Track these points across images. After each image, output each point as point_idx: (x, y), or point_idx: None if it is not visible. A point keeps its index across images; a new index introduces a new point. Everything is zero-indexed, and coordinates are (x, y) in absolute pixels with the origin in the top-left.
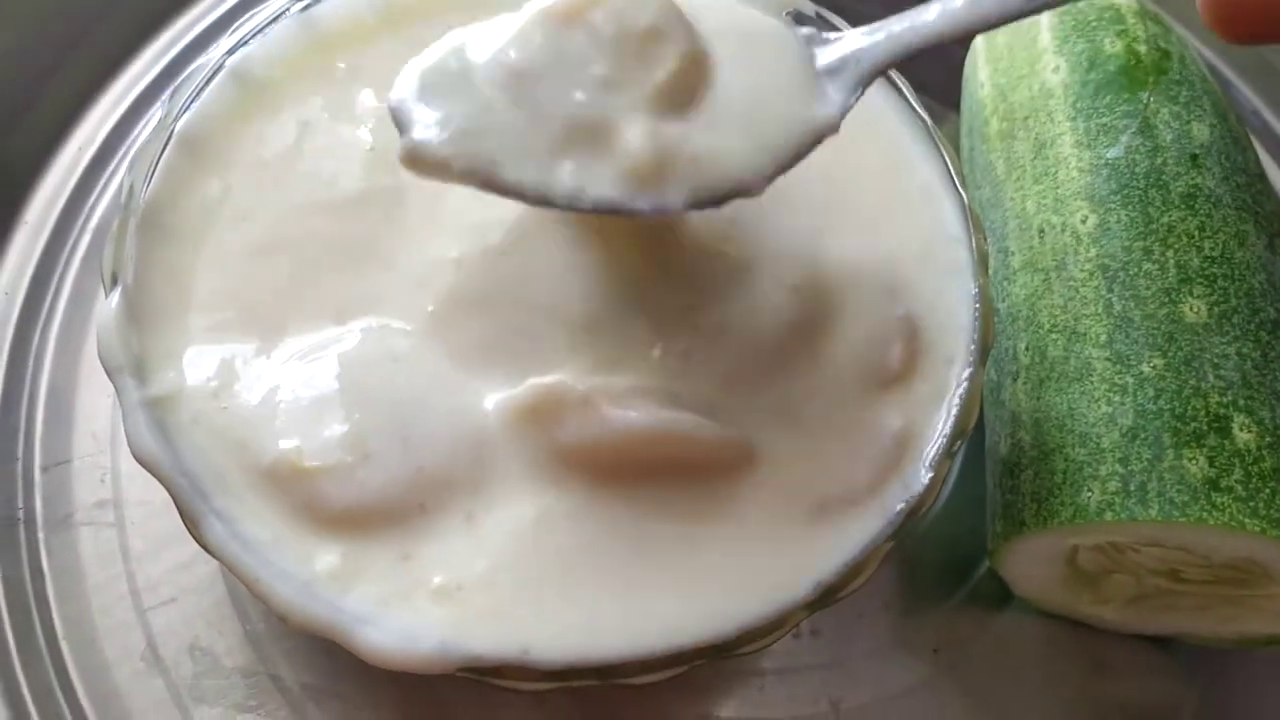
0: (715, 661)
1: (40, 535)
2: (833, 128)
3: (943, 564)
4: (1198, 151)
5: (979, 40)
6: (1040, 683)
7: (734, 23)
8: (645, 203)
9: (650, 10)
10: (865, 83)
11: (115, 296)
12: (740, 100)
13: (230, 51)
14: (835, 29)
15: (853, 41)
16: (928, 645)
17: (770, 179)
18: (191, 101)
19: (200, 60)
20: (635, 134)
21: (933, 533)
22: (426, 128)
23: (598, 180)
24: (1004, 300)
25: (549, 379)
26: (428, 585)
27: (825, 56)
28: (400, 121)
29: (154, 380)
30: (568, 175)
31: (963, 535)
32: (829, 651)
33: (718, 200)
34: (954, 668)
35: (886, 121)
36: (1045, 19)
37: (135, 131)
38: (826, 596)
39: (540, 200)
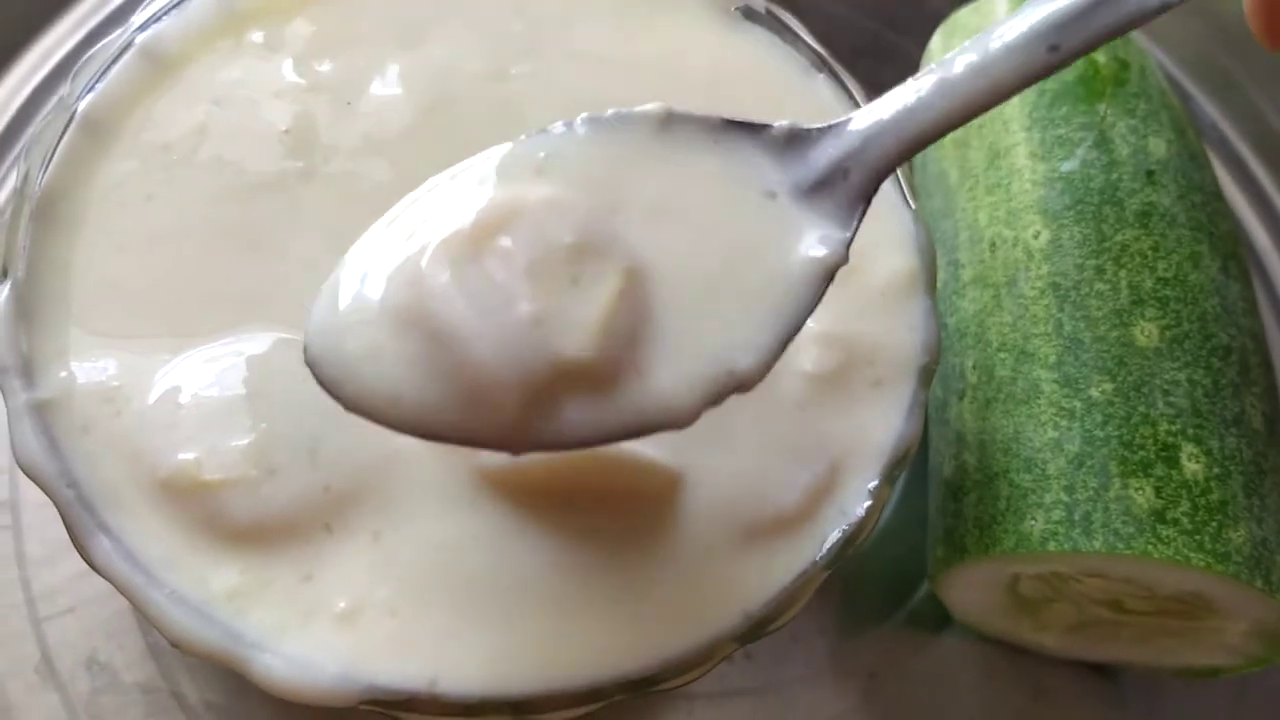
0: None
1: None
2: (834, 265)
3: (881, 585)
4: (1154, 168)
5: (935, 41)
6: (978, 709)
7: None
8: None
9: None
10: (865, 198)
11: (4, 290)
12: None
13: (142, 28)
14: (790, 30)
15: (839, 141)
16: (864, 669)
17: (776, 356)
18: (96, 81)
19: (109, 38)
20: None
21: (871, 553)
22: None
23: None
24: (952, 315)
25: None
26: (330, 609)
27: (813, 162)
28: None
29: (42, 382)
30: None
31: (902, 555)
32: (761, 675)
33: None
34: (890, 693)
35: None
36: None
37: (39, 115)
38: (757, 628)
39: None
